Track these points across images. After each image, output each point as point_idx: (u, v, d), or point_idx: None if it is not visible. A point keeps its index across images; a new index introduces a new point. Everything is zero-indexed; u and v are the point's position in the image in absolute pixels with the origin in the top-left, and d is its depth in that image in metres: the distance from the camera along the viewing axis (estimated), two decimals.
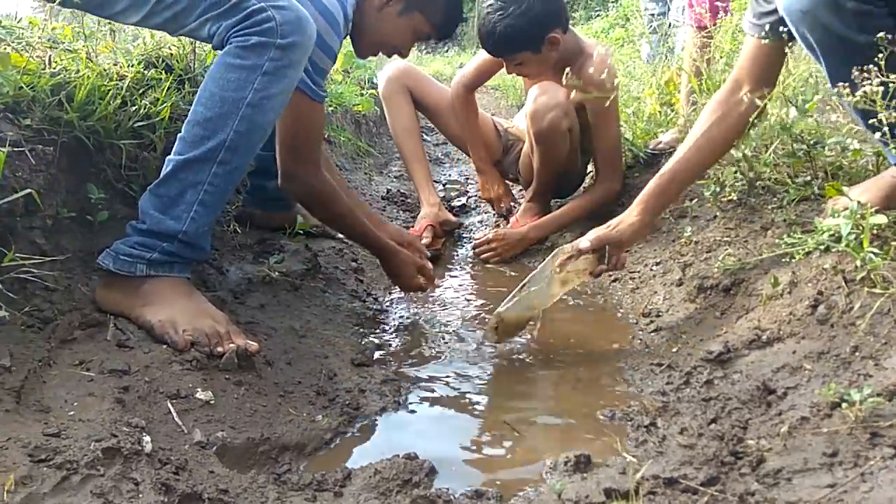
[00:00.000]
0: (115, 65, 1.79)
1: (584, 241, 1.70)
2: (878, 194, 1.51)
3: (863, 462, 0.94)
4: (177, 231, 1.39)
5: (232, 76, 1.38)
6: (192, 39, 1.86)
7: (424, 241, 2.43)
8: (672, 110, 2.70)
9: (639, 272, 2.05)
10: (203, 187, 1.40)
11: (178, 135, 1.42)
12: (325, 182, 1.77)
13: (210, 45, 1.51)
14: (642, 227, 1.72)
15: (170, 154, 1.42)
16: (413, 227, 2.56)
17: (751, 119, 1.65)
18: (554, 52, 2.22)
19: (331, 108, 3.31)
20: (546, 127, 2.26)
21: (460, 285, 2.25)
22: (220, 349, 1.33)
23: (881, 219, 1.34)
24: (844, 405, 1.04)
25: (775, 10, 1.48)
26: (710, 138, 1.69)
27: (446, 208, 2.80)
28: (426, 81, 2.72)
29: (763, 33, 1.56)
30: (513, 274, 2.34)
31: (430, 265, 1.96)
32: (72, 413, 1.08)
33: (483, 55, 2.46)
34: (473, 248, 2.47)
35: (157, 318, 1.34)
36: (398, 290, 2.07)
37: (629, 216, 1.72)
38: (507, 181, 2.81)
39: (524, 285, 1.68)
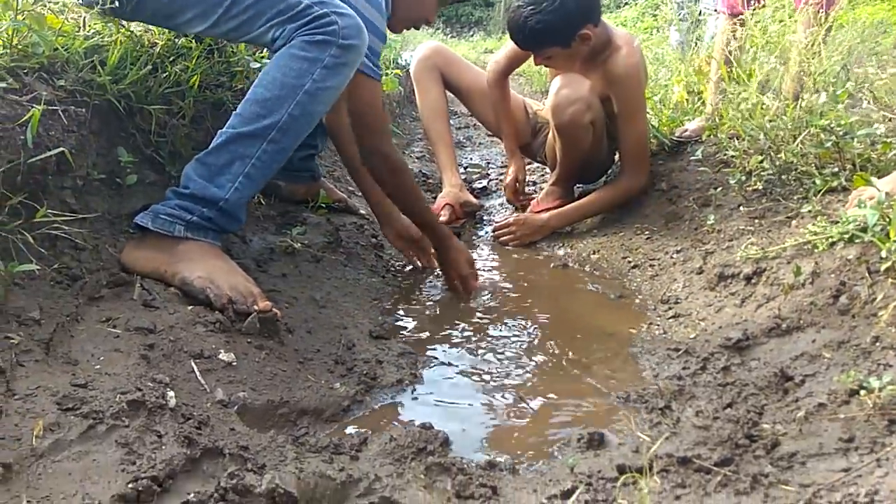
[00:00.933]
0: (146, 31, 1.81)
1: None
2: None
3: (879, 448, 0.94)
4: (219, 198, 1.45)
5: (295, 65, 1.47)
6: None
7: (442, 218, 2.44)
8: (699, 99, 2.68)
9: (659, 259, 2.05)
10: (251, 161, 1.47)
11: (234, 112, 1.50)
12: (397, 152, 1.89)
13: (270, 49, 1.58)
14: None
15: (222, 127, 1.50)
16: (433, 205, 2.56)
17: None
18: (585, 46, 2.20)
19: None
20: (567, 121, 2.26)
21: (478, 266, 2.25)
22: (254, 308, 1.37)
23: None
24: (863, 392, 1.04)
25: None
26: None
27: (467, 190, 2.80)
28: (458, 62, 2.71)
29: None
30: (531, 256, 2.34)
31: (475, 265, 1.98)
32: (98, 367, 1.10)
33: (512, 43, 2.45)
34: (494, 230, 2.47)
35: (196, 273, 1.38)
36: (440, 280, 2.04)
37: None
38: (536, 161, 2.83)
39: None
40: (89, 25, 1.63)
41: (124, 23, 1.80)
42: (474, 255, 2.34)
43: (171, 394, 1.07)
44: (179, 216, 1.43)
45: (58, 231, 1.30)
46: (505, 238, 2.42)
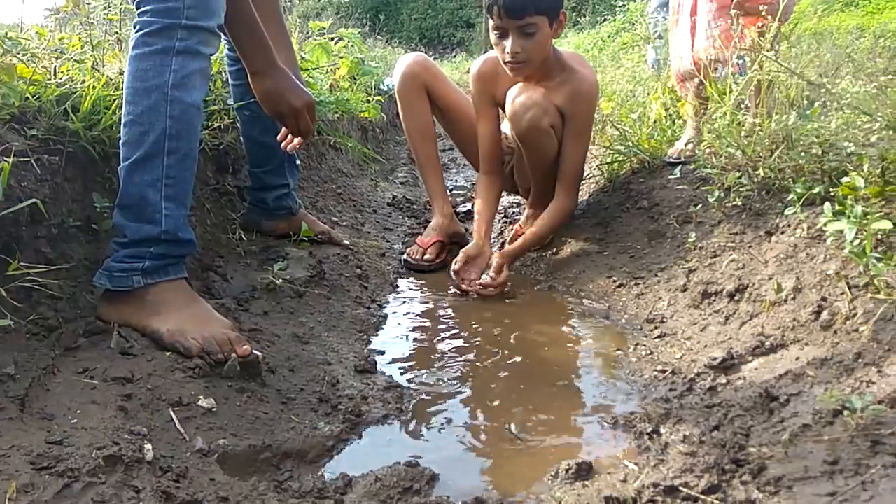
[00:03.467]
0: (120, 73, 1.81)
1: None
2: None
3: (864, 470, 0.93)
4: (158, 233, 1.41)
5: (147, 65, 1.40)
6: None
7: (428, 256, 2.42)
8: (679, 116, 2.69)
9: (643, 277, 2.05)
10: (162, 182, 1.41)
11: (119, 142, 1.43)
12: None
13: None
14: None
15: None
16: (421, 235, 2.55)
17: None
18: (557, 34, 2.20)
19: (337, 115, 3.32)
20: (526, 127, 2.21)
21: (463, 293, 2.24)
22: (233, 355, 1.35)
23: (885, 224, 1.33)
24: (846, 412, 1.03)
25: None
26: None
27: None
28: (443, 80, 2.58)
29: None
30: (515, 279, 2.33)
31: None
32: (74, 421, 1.09)
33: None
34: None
35: (166, 326, 1.35)
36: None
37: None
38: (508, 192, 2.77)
39: None
40: (61, 72, 1.63)
41: (99, 67, 1.81)
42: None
43: (149, 446, 1.05)
44: (132, 266, 1.39)
45: (32, 282, 1.29)
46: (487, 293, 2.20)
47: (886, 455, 0.93)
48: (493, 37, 2.18)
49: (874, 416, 1.00)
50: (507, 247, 2.32)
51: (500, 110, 2.46)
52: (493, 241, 2.67)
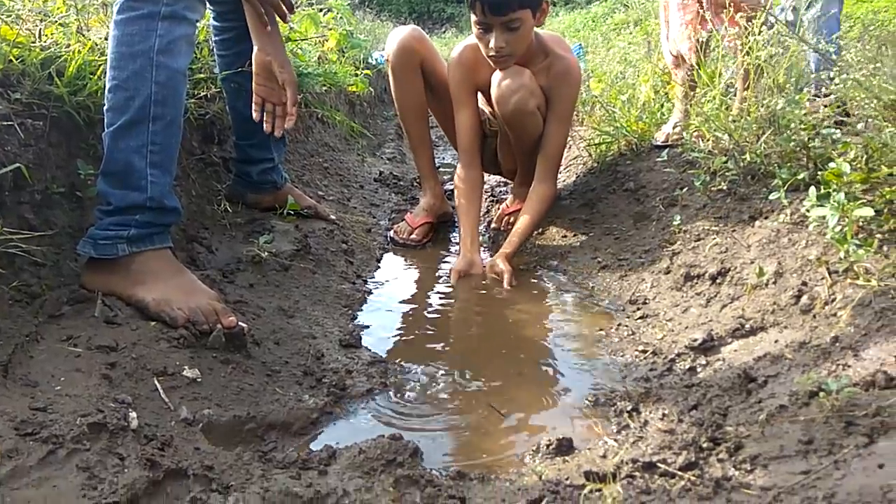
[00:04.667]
0: (106, 39, 1.78)
1: None
2: None
3: (837, 450, 0.96)
4: (143, 200, 1.40)
5: (133, 29, 1.39)
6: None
7: (415, 236, 2.41)
8: (667, 98, 2.70)
9: (627, 259, 2.06)
10: (147, 148, 1.40)
11: (104, 108, 1.41)
12: None
13: None
14: None
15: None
16: (410, 213, 2.54)
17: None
18: (540, 22, 2.18)
19: (325, 88, 3.29)
20: (513, 109, 2.19)
21: (449, 271, 2.25)
22: (218, 326, 1.35)
23: (867, 211, 1.35)
24: (822, 394, 1.06)
25: None
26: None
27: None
28: (437, 56, 2.50)
29: None
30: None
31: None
32: (58, 388, 1.09)
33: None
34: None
35: (152, 296, 1.35)
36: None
37: None
38: (492, 173, 2.74)
39: None
40: (46, 35, 1.60)
41: (84, 31, 1.78)
42: (445, 260, 2.34)
43: (133, 414, 1.06)
44: (117, 234, 1.38)
45: (16, 248, 1.28)
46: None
47: (859, 436, 0.96)
48: (475, 30, 2.13)
49: (849, 398, 1.02)
50: (503, 249, 2.20)
51: (481, 96, 2.43)
52: (479, 220, 2.68)
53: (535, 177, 2.28)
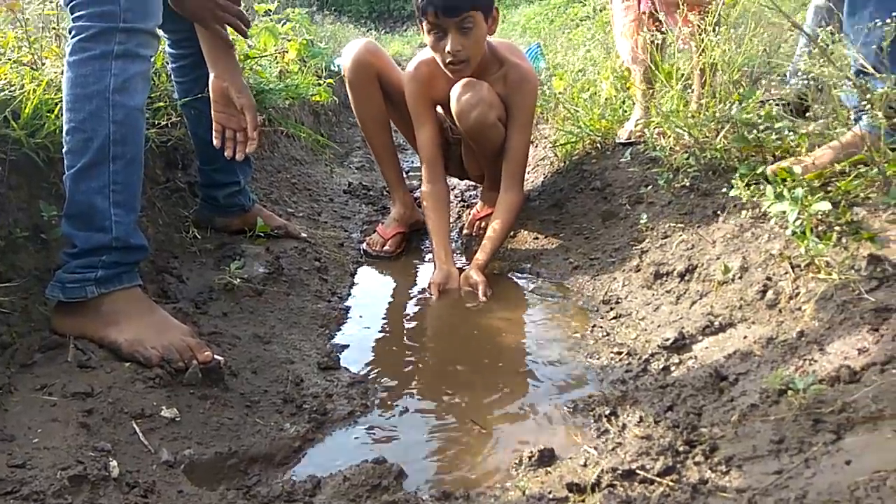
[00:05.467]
0: (61, 74, 1.75)
1: None
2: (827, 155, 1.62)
3: (807, 448, 0.99)
4: (108, 241, 1.39)
5: (86, 70, 1.38)
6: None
7: (388, 248, 2.42)
8: (628, 96, 2.73)
9: (598, 259, 2.09)
10: (109, 188, 1.39)
11: (63, 151, 1.40)
12: None
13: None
14: None
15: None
16: (381, 224, 2.54)
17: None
18: (492, 31, 2.20)
19: (288, 102, 3.27)
20: (473, 123, 2.20)
21: (424, 282, 2.26)
22: (194, 362, 1.34)
23: (825, 206, 1.39)
24: (790, 392, 1.09)
25: None
26: None
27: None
28: (393, 67, 2.51)
29: None
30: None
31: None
32: (36, 441, 1.08)
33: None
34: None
35: (124, 337, 1.34)
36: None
37: None
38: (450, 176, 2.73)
39: None
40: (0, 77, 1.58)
41: (38, 66, 1.75)
42: (420, 272, 2.35)
43: (114, 463, 1.05)
44: (84, 276, 1.37)
45: None
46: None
47: (827, 433, 0.99)
48: (429, 40, 2.12)
49: (816, 395, 1.06)
50: (476, 259, 2.19)
51: (440, 109, 2.44)
52: (451, 226, 2.69)
53: (501, 186, 2.29)
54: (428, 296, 2.09)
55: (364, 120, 2.52)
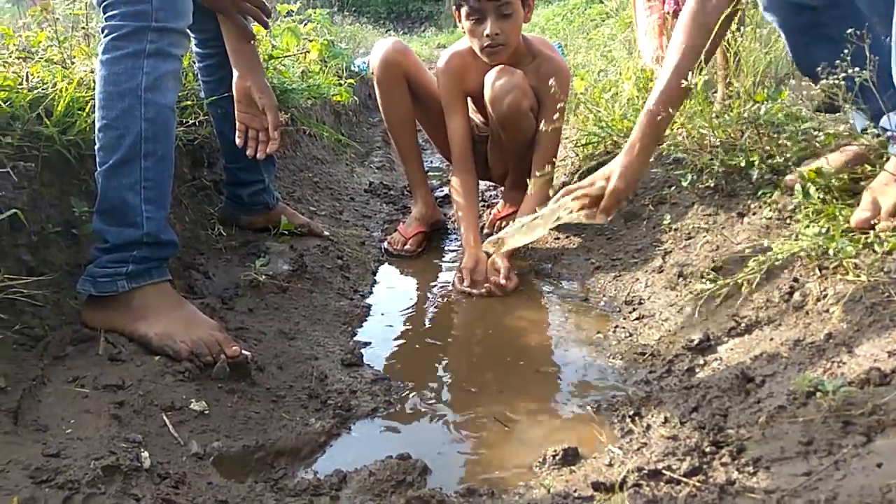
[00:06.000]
0: (91, 72, 1.78)
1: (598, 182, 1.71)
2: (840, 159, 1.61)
3: (836, 450, 0.98)
4: (139, 236, 1.41)
5: (119, 68, 1.40)
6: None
7: (409, 246, 2.43)
8: None
9: (621, 259, 2.09)
10: (141, 185, 1.41)
11: (95, 148, 1.43)
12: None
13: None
14: (636, 169, 1.70)
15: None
16: (402, 223, 2.55)
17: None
18: (527, 18, 2.24)
19: (310, 102, 3.30)
20: (507, 110, 2.22)
21: (445, 280, 2.27)
22: (222, 356, 1.36)
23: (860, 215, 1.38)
24: (819, 394, 1.08)
25: None
26: (692, 54, 1.59)
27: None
28: (421, 68, 2.53)
29: None
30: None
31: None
32: (69, 431, 1.10)
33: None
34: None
35: (154, 331, 1.36)
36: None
37: (622, 161, 1.69)
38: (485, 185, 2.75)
39: (531, 219, 1.76)
40: (32, 75, 1.61)
41: (68, 65, 1.78)
42: (441, 270, 2.36)
43: (146, 454, 1.07)
44: (116, 272, 1.40)
45: (16, 293, 1.28)
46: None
47: (857, 435, 0.98)
48: (467, 25, 2.18)
49: (845, 398, 1.05)
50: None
51: (470, 102, 2.46)
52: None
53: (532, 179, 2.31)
54: (457, 281, 2.11)
55: (390, 119, 2.53)
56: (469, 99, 2.46)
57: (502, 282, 2.04)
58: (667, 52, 1.67)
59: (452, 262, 2.42)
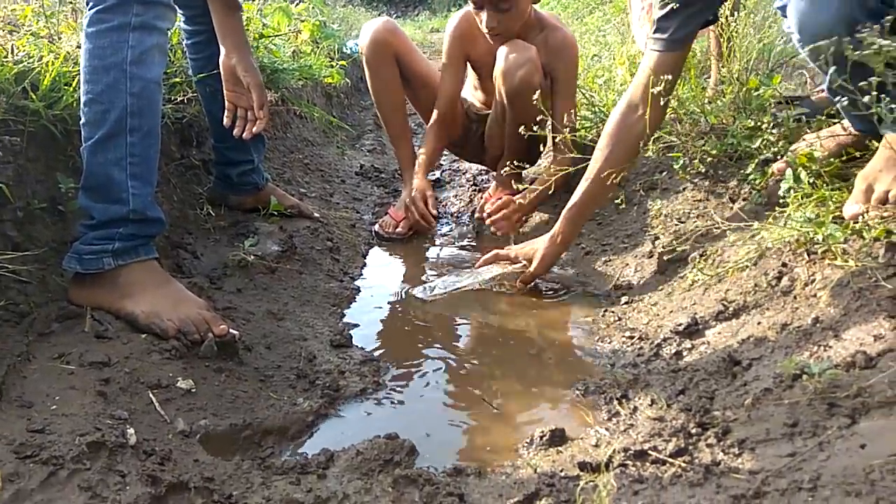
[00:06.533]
0: (78, 47, 1.76)
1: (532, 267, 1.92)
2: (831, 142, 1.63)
3: (821, 432, 0.99)
4: (125, 213, 1.40)
5: (104, 42, 1.38)
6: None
7: (400, 229, 2.42)
8: None
9: (610, 245, 2.09)
10: (126, 160, 1.40)
11: (80, 122, 1.41)
12: None
13: None
14: (555, 256, 1.95)
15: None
16: (393, 206, 2.54)
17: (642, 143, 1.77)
18: (532, 5, 2.24)
19: (301, 83, 3.27)
20: (518, 84, 2.20)
21: (435, 261, 2.27)
22: (210, 335, 1.35)
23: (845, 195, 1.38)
24: (805, 377, 1.09)
25: (675, 15, 1.62)
26: (610, 165, 1.80)
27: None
28: (411, 47, 2.54)
29: (669, 45, 1.63)
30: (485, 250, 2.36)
31: None
32: (54, 407, 1.09)
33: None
34: (485, 220, 2.33)
35: (140, 308, 1.35)
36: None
37: (545, 246, 1.92)
38: (470, 162, 2.77)
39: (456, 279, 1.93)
40: (18, 48, 1.58)
41: (55, 40, 1.76)
42: (430, 251, 2.36)
43: (131, 430, 1.06)
44: (102, 248, 1.38)
45: (1, 268, 1.27)
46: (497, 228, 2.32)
47: (842, 417, 0.99)
48: (470, 4, 2.19)
49: (831, 380, 1.05)
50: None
51: (472, 79, 2.47)
52: (462, 210, 2.69)
53: (553, 152, 2.36)
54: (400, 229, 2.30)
55: (380, 100, 2.53)
56: (473, 72, 2.47)
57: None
58: (593, 154, 1.88)
59: (443, 245, 2.41)
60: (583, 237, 2.22)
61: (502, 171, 2.55)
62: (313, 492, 1.06)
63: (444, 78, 2.44)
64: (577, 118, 2.62)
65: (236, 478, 1.08)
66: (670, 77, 1.66)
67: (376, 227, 2.48)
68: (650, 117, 1.71)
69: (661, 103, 1.71)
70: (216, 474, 1.07)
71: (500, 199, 2.43)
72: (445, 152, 3.29)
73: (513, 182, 2.53)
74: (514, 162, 2.33)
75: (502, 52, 2.22)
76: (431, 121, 2.50)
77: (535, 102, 2.23)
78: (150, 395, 1.19)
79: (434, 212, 2.35)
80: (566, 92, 2.31)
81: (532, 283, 1.95)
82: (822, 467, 0.92)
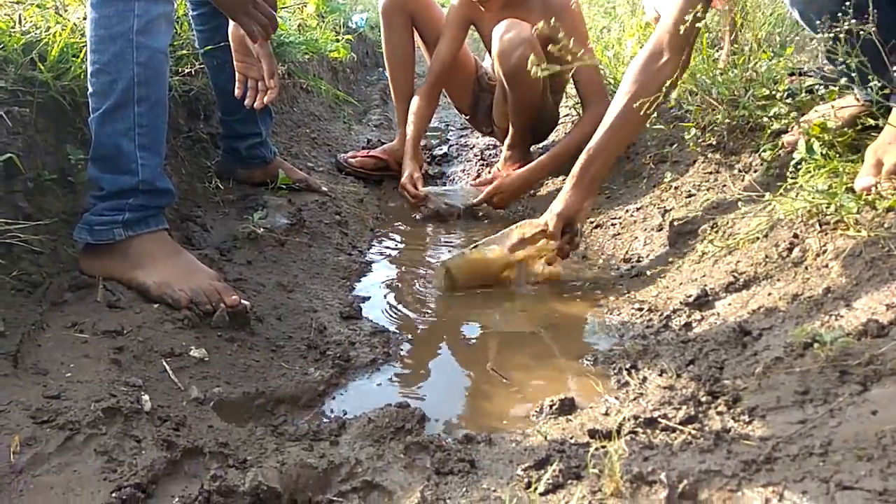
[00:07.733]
0: (85, 18, 1.75)
1: (548, 221, 1.79)
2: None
3: (832, 399, 0.99)
4: (135, 183, 1.40)
5: (110, 11, 1.37)
6: None
7: (353, 161, 2.60)
8: None
9: (620, 218, 2.08)
10: (135, 131, 1.39)
11: (88, 93, 1.40)
12: None
13: None
14: (578, 203, 1.81)
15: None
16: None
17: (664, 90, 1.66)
18: None
19: (307, 57, 3.25)
20: (515, 64, 2.18)
21: (445, 233, 2.27)
22: (221, 305, 1.36)
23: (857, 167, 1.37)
24: (816, 345, 1.09)
25: None
26: (627, 118, 1.70)
27: (427, 157, 2.78)
28: (432, 8, 2.55)
29: None
30: (492, 222, 2.35)
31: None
32: (69, 375, 1.10)
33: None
34: (478, 201, 2.37)
35: (152, 279, 1.36)
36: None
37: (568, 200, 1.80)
38: (483, 134, 2.78)
39: (480, 243, 1.80)
40: (25, 19, 1.57)
41: (62, 12, 1.74)
42: (439, 230, 2.35)
43: (146, 397, 1.07)
44: (112, 219, 1.39)
45: (13, 238, 1.28)
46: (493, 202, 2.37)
47: (853, 384, 0.99)
48: None
49: (842, 348, 1.05)
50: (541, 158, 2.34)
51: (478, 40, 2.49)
52: (467, 184, 2.68)
53: (583, 107, 2.36)
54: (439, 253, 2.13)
55: (389, 56, 2.57)
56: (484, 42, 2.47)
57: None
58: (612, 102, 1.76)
59: (453, 219, 2.41)
60: (592, 210, 2.21)
61: (508, 149, 2.56)
62: (326, 457, 1.07)
63: (440, 42, 2.45)
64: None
65: (250, 443, 1.09)
66: (700, 6, 1.54)
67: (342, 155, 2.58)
68: (680, 62, 1.62)
69: (689, 48, 1.63)
70: (230, 440, 1.08)
71: (507, 174, 2.42)
72: (454, 124, 3.28)
73: (521, 157, 2.53)
74: (520, 138, 2.36)
75: (497, 32, 2.21)
76: (423, 87, 2.52)
77: (534, 83, 2.23)
78: (164, 364, 1.20)
79: (422, 192, 2.36)
80: (580, 46, 2.27)
81: (560, 246, 1.82)
82: (833, 433, 0.92)
